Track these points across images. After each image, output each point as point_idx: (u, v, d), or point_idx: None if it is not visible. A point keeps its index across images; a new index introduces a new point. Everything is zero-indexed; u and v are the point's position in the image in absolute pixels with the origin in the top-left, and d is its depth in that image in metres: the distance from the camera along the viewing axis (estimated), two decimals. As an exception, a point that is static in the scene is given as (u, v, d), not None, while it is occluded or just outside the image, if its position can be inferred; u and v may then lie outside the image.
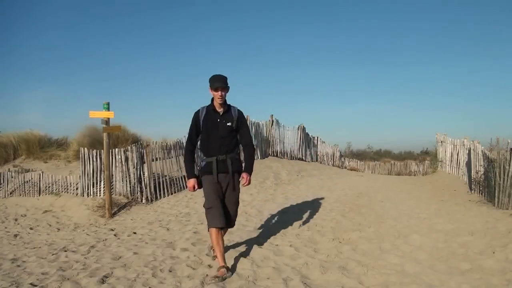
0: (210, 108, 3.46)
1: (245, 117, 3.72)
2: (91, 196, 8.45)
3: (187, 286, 3.26)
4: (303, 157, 15.15)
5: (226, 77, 3.41)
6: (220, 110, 3.45)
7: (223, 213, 3.38)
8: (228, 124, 3.44)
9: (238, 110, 3.56)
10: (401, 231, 4.70)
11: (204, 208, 3.51)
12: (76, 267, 4.09)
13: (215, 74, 3.40)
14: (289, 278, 3.30)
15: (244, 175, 3.49)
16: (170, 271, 3.64)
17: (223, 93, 3.38)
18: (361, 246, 4.18)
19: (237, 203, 3.64)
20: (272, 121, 13.70)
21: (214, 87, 3.35)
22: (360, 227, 4.98)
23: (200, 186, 3.51)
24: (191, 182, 3.46)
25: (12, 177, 10.42)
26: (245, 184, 3.47)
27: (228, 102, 3.51)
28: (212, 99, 3.46)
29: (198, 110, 3.51)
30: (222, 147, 3.42)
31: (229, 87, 3.44)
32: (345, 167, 18.11)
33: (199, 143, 3.51)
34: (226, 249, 3.90)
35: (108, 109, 7.27)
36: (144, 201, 8.06)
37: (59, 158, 13.60)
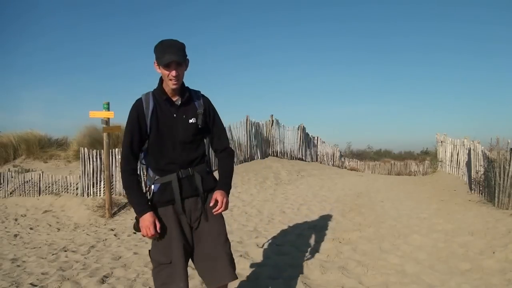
0: (160, 96, 2.05)
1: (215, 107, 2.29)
2: (91, 196, 8.44)
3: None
4: (303, 157, 15.16)
5: (183, 45, 2.01)
6: (176, 98, 2.06)
7: (187, 272, 2.03)
8: (191, 120, 2.06)
9: (204, 96, 2.18)
10: (401, 231, 4.70)
11: (150, 259, 2.09)
12: (76, 267, 4.09)
13: (164, 40, 2.00)
14: (289, 278, 3.30)
15: (218, 195, 2.02)
16: (170, 271, 3.64)
17: (179, 72, 1.97)
18: (361, 246, 4.18)
19: (225, 241, 2.10)
20: (272, 121, 13.71)
21: (163, 62, 1.93)
22: (360, 227, 4.98)
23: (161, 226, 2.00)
24: (146, 220, 1.95)
25: (12, 177, 10.41)
26: (217, 211, 2.01)
27: (187, 85, 2.13)
28: (161, 81, 2.06)
29: (140, 101, 2.05)
30: (184, 157, 2.05)
31: (188, 60, 2.04)
32: (345, 167, 18.10)
33: (143, 155, 2.14)
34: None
35: (108, 109, 7.27)
36: (144, 201, 8.06)
37: (59, 158, 13.60)
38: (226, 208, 2.03)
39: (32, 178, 9.74)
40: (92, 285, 3.40)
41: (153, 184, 2.07)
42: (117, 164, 8.27)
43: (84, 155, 8.60)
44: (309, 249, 4.11)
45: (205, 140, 2.18)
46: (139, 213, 1.98)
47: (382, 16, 71.78)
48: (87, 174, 8.55)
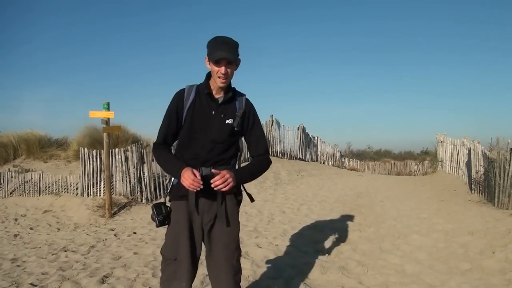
0: (204, 90, 2.02)
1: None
2: (91, 196, 8.44)
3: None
4: (303, 157, 15.16)
5: (237, 43, 1.96)
6: (219, 96, 2.02)
7: (194, 270, 2.02)
8: (227, 121, 2.00)
9: (247, 99, 2.11)
10: (401, 231, 4.70)
11: (161, 256, 2.08)
12: (76, 267, 4.08)
13: (218, 36, 1.95)
14: (289, 278, 3.30)
15: (226, 171, 1.86)
16: (170, 271, 3.64)
17: (228, 70, 1.93)
18: (361, 246, 4.18)
19: (235, 250, 2.05)
20: (272, 121, 13.72)
21: (214, 58, 1.90)
22: (360, 227, 4.98)
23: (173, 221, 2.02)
24: (185, 173, 1.83)
25: (12, 177, 10.40)
26: (216, 182, 1.81)
27: (233, 85, 2.07)
28: (208, 76, 2.04)
29: (183, 91, 2.04)
30: (210, 156, 1.99)
31: (239, 60, 2.00)
32: (345, 167, 18.10)
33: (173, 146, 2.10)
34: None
35: (108, 109, 7.27)
36: (144, 201, 8.06)
37: (59, 158, 13.59)
38: (224, 185, 1.82)
39: (32, 178, 9.74)
40: (92, 285, 3.40)
41: (174, 177, 2.02)
42: (117, 164, 8.27)
43: (84, 155, 8.60)
44: (309, 249, 4.11)
45: (240, 144, 2.11)
46: (177, 172, 1.87)
47: (382, 15, 71.83)
48: (87, 174, 8.55)
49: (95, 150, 8.67)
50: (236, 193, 2.09)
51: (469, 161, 8.42)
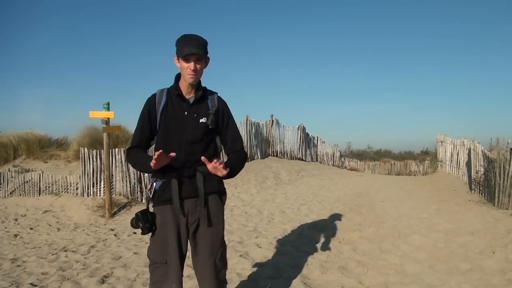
0: (174, 92, 2.01)
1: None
2: (91, 196, 8.44)
3: (187, 286, 3.26)
4: (303, 157, 15.16)
5: (205, 41, 1.97)
6: (190, 96, 2.02)
7: (182, 270, 2.04)
8: (201, 120, 2.00)
9: (219, 97, 2.11)
10: (401, 231, 4.70)
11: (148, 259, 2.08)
12: (76, 267, 4.09)
13: (187, 34, 1.96)
14: (289, 278, 3.30)
15: (221, 162, 1.85)
16: (170, 271, 3.64)
17: (198, 65, 1.93)
18: (361, 246, 4.18)
19: (219, 248, 2.07)
20: (272, 121, 13.72)
21: (183, 53, 1.89)
22: (360, 227, 4.97)
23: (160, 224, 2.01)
24: (156, 155, 1.82)
25: (12, 177, 10.40)
26: (216, 165, 1.83)
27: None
28: (177, 78, 2.04)
29: (154, 96, 2.04)
30: (190, 157, 1.98)
31: (208, 58, 2.01)
32: (345, 167, 18.10)
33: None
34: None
35: (108, 109, 7.27)
36: (144, 201, 8.06)
37: (59, 158, 13.59)
38: (222, 172, 1.84)
39: (32, 178, 9.74)
40: (92, 285, 3.40)
41: (155, 182, 2.02)
42: (117, 164, 8.27)
43: (84, 155, 8.59)
44: (309, 249, 4.11)
45: (217, 141, 2.11)
46: (147, 166, 1.88)
47: (382, 15, 71.86)
48: (87, 174, 8.55)
49: (95, 150, 8.67)
50: (220, 192, 2.10)
51: (469, 161, 8.42)
